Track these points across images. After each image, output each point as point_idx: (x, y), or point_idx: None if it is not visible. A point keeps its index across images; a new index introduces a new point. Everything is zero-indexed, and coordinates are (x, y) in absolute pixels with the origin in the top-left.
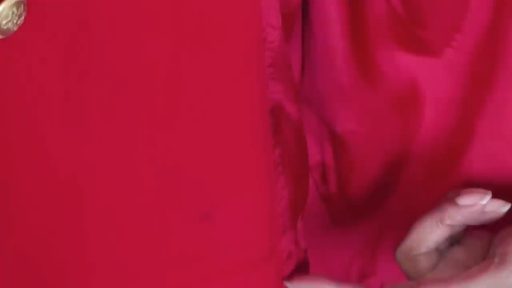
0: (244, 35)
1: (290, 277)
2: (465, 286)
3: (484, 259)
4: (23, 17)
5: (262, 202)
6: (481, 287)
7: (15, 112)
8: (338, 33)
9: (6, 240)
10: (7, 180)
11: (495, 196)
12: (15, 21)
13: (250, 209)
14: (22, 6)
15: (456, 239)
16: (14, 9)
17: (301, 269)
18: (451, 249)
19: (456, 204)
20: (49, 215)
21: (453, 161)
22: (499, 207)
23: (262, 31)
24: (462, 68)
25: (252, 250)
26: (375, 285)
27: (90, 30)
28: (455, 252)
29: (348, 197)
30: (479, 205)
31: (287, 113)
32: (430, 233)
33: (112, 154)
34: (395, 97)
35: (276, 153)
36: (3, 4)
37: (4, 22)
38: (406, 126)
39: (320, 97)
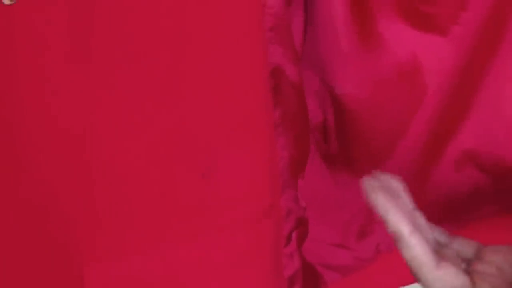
0: (245, 1)
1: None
2: None
3: None
4: None
5: (262, 160)
6: None
7: (23, 69)
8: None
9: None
10: (16, 127)
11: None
12: None
13: (251, 167)
14: None
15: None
16: None
17: (300, 226)
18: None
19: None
20: (59, 167)
21: (450, 133)
22: None
23: None
24: (466, 44)
25: (253, 206)
26: (372, 244)
27: None
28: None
29: (348, 158)
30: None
31: (286, 75)
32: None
33: (119, 112)
34: (395, 67)
35: (276, 113)
36: None
37: None
38: (407, 94)
39: (321, 60)
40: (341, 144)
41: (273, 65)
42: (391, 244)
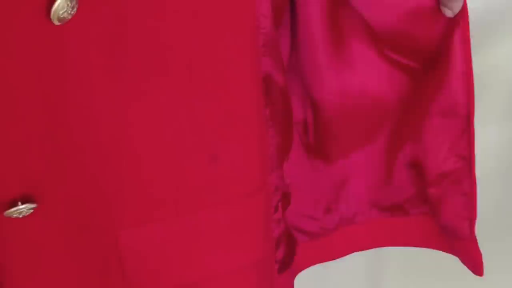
0: (242, 23)
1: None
2: None
3: None
4: (75, 9)
5: (256, 147)
6: None
7: (72, 80)
8: (318, 25)
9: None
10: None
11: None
12: (69, 12)
13: (247, 153)
14: (75, 0)
15: None
16: (69, 2)
17: (285, 198)
18: None
19: None
20: (101, 154)
21: (399, 146)
22: None
23: (256, 20)
24: (421, 81)
25: (248, 184)
26: (336, 218)
27: (128, 17)
28: None
29: (321, 148)
30: None
31: (275, 81)
32: None
33: (147, 112)
34: (360, 84)
35: (267, 111)
36: None
37: (61, 12)
38: (369, 108)
39: (302, 70)
40: (317, 137)
41: (265, 73)
42: (350, 219)
